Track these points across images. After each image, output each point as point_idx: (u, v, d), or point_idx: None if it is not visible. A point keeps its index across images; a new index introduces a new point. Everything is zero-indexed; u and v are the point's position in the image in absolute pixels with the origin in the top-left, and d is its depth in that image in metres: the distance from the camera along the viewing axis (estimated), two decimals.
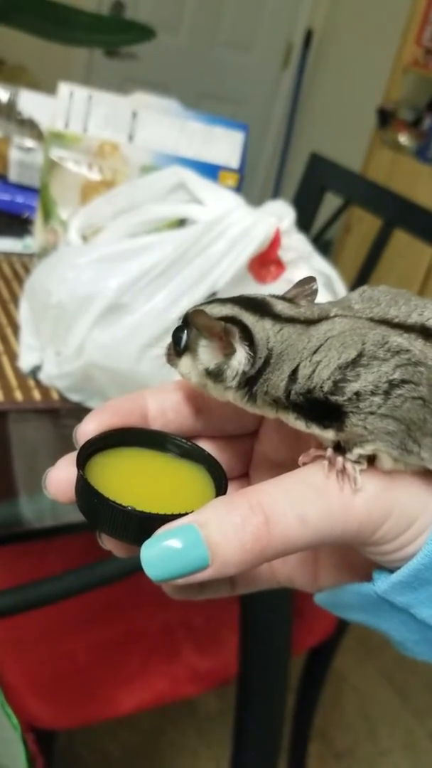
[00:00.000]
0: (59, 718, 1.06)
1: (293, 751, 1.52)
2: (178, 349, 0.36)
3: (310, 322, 0.34)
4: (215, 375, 0.34)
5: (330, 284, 0.90)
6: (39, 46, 2.03)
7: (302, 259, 0.88)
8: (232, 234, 0.84)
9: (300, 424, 0.33)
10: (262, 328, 0.34)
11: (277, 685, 1.11)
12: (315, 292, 0.37)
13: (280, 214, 0.87)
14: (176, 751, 1.67)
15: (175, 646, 1.14)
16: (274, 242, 0.86)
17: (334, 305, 0.35)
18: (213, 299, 0.36)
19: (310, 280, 0.37)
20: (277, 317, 0.35)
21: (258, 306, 0.35)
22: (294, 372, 0.33)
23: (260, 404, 0.34)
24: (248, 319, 0.34)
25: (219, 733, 1.70)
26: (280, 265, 0.87)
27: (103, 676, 1.10)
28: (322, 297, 0.85)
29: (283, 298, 0.36)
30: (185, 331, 0.36)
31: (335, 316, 0.34)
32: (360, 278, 1.53)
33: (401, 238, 1.55)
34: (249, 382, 0.34)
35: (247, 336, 0.34)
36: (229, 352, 0.34)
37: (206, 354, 0.35)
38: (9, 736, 0.43)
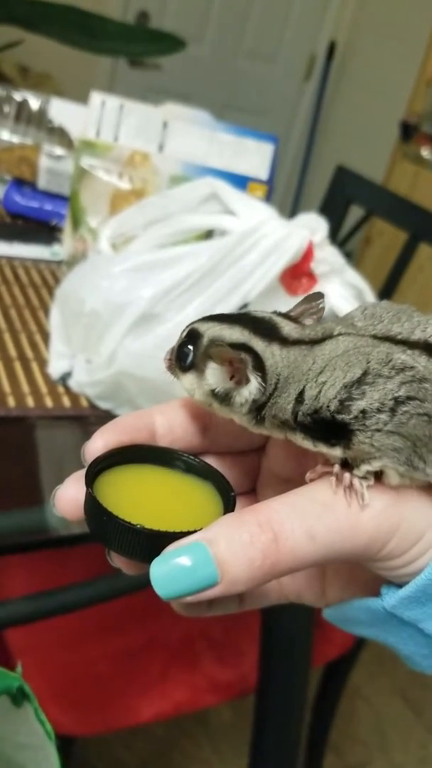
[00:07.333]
0: (78, 725, 1.06)
1: (308, 764, 1.51)
2: (182, 365, 0.36)
3: (314, 342, 0.34)
4: (221, 398, 0.34)
5: (361, 297, 0.90)
6: (64, 54, 2.04)
7: (334, 272, 0.88)
8: (265, 246, 0.84)
9: (308, 444, 0.33)
10: (271, 354, 0.34)
11: (297, 697, 1.11)
12: (321, 309, 0.37)
13: (313, 227, 0.87)
14: (189, 762, 1.66)
15: (195, 657, 1.14)
16: (307, 255, 0.86)
17: (338, 323, 0.35)
18: (220, 318, 0.36)
19: (318, 296, 0.37)
20: (284, 341, 0.35)
21: (266, 330, 0.35)
22: (300, 394, 0.33)
23: (268, 426, 0.34)
24: (258, 345, 0.34)
25: (232, 744, 1.69)
26: (312, 277, 0.87)
27: (122, 684, 1.10)
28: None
29: (288, 316, 0.36)
30: (191, 348, 0.36)
31: (339, 334, 0.34)
32: (382, 291, 1.53)
33: (423, 252, 1.55)
34: (258, 408, 0.34)
35: (259, 365, 0.34)
36: (240, 381, 0.34)
37: (214, 377, 0.34)
38: (38, 742, 0.43)
